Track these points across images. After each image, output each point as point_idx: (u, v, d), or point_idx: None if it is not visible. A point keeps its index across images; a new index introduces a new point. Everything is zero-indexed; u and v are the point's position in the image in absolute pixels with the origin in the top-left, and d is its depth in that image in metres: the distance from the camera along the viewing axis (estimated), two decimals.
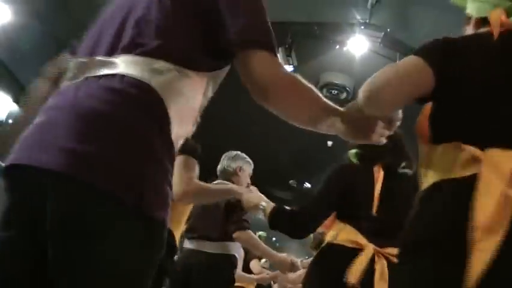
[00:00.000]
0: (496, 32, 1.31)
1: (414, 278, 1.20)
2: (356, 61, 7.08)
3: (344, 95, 7.42)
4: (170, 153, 1.07)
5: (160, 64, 1.05)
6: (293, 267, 2.95)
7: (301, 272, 3.48)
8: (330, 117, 1.29)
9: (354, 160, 2.28)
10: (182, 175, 2.07)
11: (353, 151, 2.27)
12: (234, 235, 2.91)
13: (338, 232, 2.13)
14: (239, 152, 3.30)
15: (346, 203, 2.15)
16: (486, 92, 1.27)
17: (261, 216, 2.27)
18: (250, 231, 3.03)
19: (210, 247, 2.89)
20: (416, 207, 1.28)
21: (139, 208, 0.98)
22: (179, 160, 2.08)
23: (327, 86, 7.38)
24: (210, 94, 1.19)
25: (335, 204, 2.16)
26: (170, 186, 1.07)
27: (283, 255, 3.11)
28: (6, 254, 0.99)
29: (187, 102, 1.10)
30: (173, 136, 1.07)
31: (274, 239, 12.01)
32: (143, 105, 1.02)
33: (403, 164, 2.16)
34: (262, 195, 2.35)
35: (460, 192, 1.18)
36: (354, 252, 2.02)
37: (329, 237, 2.18)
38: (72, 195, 0.95)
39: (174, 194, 1.95)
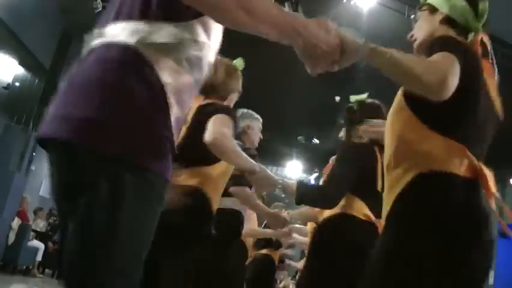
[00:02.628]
0: (479, 53, 1.53)
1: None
2: (363, 15, 6.94)
3: None
4: (163, 105, 1.10)
5: (141, 24, 1.10)
6: (286, 222, 2.94)
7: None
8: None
9: (363, 139, 2.40)
10: (215, 128, 2.06)
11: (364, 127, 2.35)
12: (231, 189, 2.86)
13: (346, 203, 2.28)
14: (245, 110, 3.26)
15: (358, 180, 2.27)
16: (481, 113, 1.47)
17: (277, 192, 2.34)
18: (247, 187, 2.99)
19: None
20: (425, 191, 1.42)
21: (126, 159, 1.03)
22: (216, 117, 2.10)
23: None
24: (204, 39, 1.18)
25: (353, 180, 2.28)
26: (165, 136, 1.10)
27: (276, 211, 3.10)
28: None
29: (177, 52, 1.13)
30: (170, 86, 1.11)
31: None
32: (126, 65, 1.07)
33: None
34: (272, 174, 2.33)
35: (468, 189, 1.40)
36: (368, 224, 2.23)
37: (337, 208, 2.29)
38: (62, 156, 1.04)
39: (206, 142, 2.03)
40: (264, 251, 4.91)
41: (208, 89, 2.25)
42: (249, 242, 3.85)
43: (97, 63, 1.08)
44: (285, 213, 2.99)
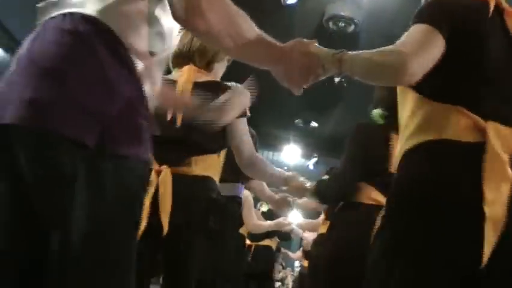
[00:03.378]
0: (492, 4, 1.39)
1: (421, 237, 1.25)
2: None
3: (351, 28, 6.97)
4: (134, 81, 1.06)
5: None
6: (290, 205, 3.05)
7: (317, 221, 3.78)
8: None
9: (380, 121, 2.39)
10: (247, 150, 2.19)
11: (378, 111, 2.37)
12: (247, 185, 3.10)
13: (360, 191, 2.33)
14: (234, 84, 3.15)
15: (367, 164, 2.32)
16: (492, 65, 1.34)
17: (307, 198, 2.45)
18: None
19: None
20: (412, 161, 1.33)
21: (103, 147, 0.98)
22: (239, 126, 2.17)
23: (334, 19, 6.95)
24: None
25: (361, 164, 2.33)
26: (143, 117, 1.06)
27: (281, 195, 3.11)
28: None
29: (147, 25, 1.09)
30: (141, 63, 1.08)
31: None
32: (91, 39, 1.01)
33: None
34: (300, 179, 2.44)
35: (467, 157, 1.24)
36: (374, 208, 2.16)
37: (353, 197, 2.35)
38: (34, 146, 0.96)
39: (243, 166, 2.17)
40: (264, 242, 5.07)
41: (191, 55, 2.15)
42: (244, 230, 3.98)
43: (62, 36, 1.00)
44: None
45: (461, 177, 1.23)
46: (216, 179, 2.15)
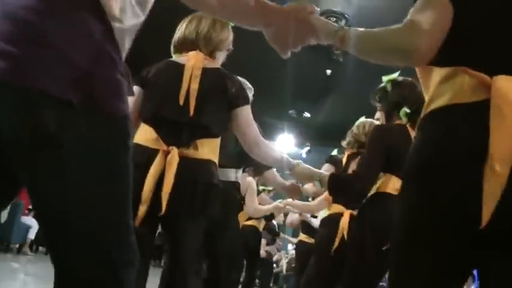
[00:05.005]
0: None
1: (423, 203, 1.17)
2: None
3: (342, 23, 7.12)
4: (113, 39, 1.03)
5: None
6: (300, 193, 3.10)
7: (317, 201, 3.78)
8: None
9: (404, 119, 2.42)
10: (252, 137, 2.21)
11: (405, 110, 2.41)
12: (265, 174, 3.12)
13: (382, 183, 2.37)
14: (240, 78, 3.25)
15: (391, 160, 2.33)
16: (495, 18, 1.22)
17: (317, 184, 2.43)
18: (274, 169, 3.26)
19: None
20: (419, 132, 1.25)
21: (89, 104, 0.95)
22: (243, 115, 2.18)
23: (325, 14, 7.13)
24: None
25: (383, 164, 2.36)
26: (122, 74, 1.04)
27: (291, 181, 3.15)
28: None
29: None
30: (119, 25, 1.05)
31: None
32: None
33: None
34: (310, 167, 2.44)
35: (472, 117, 1.13)
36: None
37: (375, 188, 2.39)
38: (18, 103, 0.92)
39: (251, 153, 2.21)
40: (249, 222, 5.11)
41: (196, 42, 2.19)
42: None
43: None
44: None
45: (467, 139, 1.12)
46: (217, 162, 2.17)
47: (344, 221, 3.17)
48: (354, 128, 3.34)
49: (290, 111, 11.65)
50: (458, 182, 1.11)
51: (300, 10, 1.35)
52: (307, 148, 12.76)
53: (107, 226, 0.98)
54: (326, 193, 3.41)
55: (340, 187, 2.39)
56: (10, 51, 0.91)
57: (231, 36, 2.32)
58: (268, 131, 13.71)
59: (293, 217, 5.08)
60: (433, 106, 1.21)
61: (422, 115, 1.25)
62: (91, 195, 0.97)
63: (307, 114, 11.72)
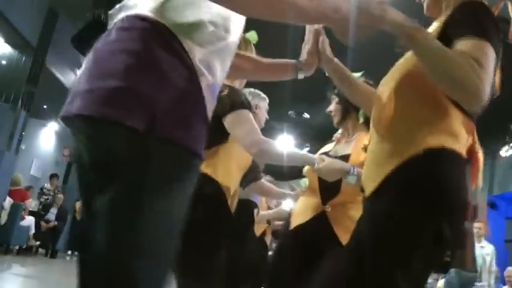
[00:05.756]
0: None
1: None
2: None
3: None
4: (187, 74, 1.05)
5: None
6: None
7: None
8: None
9: (361, 119, 2.40)
10: (246, 137, 2.08)
11: (361, 111, 2.37)
12: (249, 187, 3.00)
13: None
14: (252, 89, 3.23)
15: None
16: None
17: (350, 180, 2.18)
18: (262, 180, 3.16)
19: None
20: (440, 161, 1.33)
21: (151, 132, 0.98)
22: (234, 120, 2.10)
23: None
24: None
25: None
26: (196, 108, 1.06)
27: (294, 192, 3.17)
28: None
29: (200, 13, 1.10)
30: (196, 53, 1.07)
31: None
32: (145, 34, 1.04)
33: None
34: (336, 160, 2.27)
35: (467, 175, 1.35)
36: None
37: None
38: (91, 133, 1.01)
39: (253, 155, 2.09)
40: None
41: None
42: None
43: (121, 35, 1.06)
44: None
45: (463, 189, 1.34)
46: (220, 176, 2.12)
47: None
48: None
49: (289, 112, 11.66)
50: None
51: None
52: (307, 149, 12.78)
53: (154, 256, 1.00)
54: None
55: None
56: (88, 88, 1.01)
57: (254, 54, 2.29)
58: (267, 132, 13.70)
59: None
60: (456, 144, 1.33)
61: (433, 140, 1.32)
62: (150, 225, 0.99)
63: (306, 115, 11.73)
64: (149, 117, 0.98)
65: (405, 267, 1.29)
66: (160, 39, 1.04)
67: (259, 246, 5.11)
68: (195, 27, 1.08)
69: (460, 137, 1.33)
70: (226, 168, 2.15)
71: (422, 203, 1.29)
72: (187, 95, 1.04)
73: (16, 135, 8.81)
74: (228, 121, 2.10)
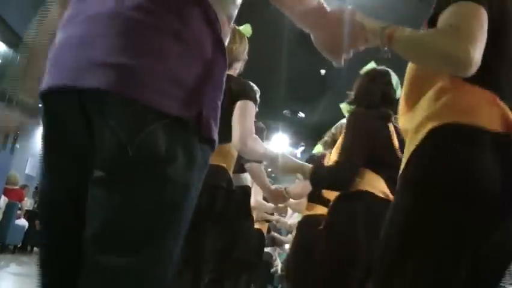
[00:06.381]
0: None
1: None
2: None
3: None
4: (223, 58, 0.99)
5: None
6: (285, 198, 2.98)
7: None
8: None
9: (345, 113, 2.37)
10: (242, 129, 2.12)
11: (346, 106, 2.38)
12: (247, 165, 2.93)
13: (365, 179, 2.14)
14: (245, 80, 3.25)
15: (371, 150, 2.16)
16: None
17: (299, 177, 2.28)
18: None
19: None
20: (442, 140, 1.21)
21: (199, 128, 0.92)
22: (241, 107, 2.13)
23: None
24: None
25: (366, 155, 2.16)
26: (220, 99, 1.00)
27: (276, 186, 3.09)
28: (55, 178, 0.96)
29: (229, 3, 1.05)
30: (224, 40, 1.02)
31: None
32: (192, 11, 0.94)
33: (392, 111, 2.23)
34: (294, 159, 2.31)
35: (498, 148, 1.15)
36: (384, 203, 1.99)
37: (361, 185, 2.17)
38: (127, 116, 0.87)
39: (236, 147, 2.09)
40: (256, 226, 5.11)
41: None
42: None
43: (155, 4, 0.92)
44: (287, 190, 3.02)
45: (491, 169, 1.14)
46: (229, 168, 2.16)
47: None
48: (332, 129, 3.32)
49: (285, 111, 11.68)
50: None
51: (344, 12, 1.29)
52: (302, 148, 12.79)
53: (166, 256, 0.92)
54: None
55: (321, 176, 2.23)
56: (123, 63, 0.87)
57: (247, 47, 2.35)
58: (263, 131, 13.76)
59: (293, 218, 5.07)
60: (458, 118, 1.19)
61: (438, 119, 1.22)
62: (174, 221, 0.92)
63: (301, 114, 11.75)
64: (197, 111, 0.91)
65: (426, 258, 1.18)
66: (205, 21, 0.95)
67: (258, 240, 5.16)
68: (226, 11, 1.03)
69: (477, 110, 1.19)
70: (232, 162, 2.22)
71: (426, 190, 1.21)
72: (220, 88, 0.99)
73: (11, 134, 8.77)
74: (239, 107, 2.13)
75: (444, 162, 1.18)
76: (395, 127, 2.18)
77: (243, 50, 2.32)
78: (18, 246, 9.22)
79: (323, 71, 8.78)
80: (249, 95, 2.18)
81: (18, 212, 9.00)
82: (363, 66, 2.51)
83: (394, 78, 2.31)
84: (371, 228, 1.91)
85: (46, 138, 0.97)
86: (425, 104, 1.28)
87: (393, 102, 2.24)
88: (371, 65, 2.40)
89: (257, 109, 3.24)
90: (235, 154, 2.21)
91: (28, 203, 10.03)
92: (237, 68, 2.32)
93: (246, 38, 2.35)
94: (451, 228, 1.14)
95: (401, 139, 2.12)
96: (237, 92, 2.14)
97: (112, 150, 0.87)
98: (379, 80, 2.31)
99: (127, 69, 0.86)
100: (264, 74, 10.06)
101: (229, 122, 2.11)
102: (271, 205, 4.33)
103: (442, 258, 1.15)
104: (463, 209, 1.14)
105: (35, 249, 10.01)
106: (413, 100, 1.32)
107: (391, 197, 2.02)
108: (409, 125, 1.31)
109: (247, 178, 2.98)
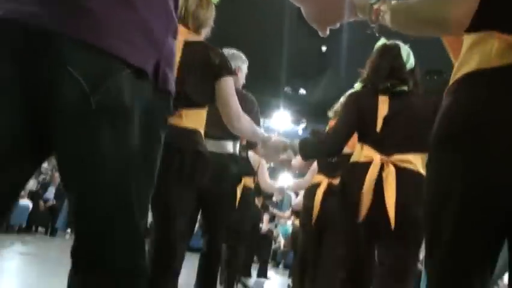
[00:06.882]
0: None
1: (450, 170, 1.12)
2: None
3: None
4: (177, 11, 1.02)
5: None
6: (286, 148, 3.06)
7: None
8: None
9: (358, 88, 2.48)
10: (233, 108, 2.19)
11: (358, 84, 2.47)
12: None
13: (358, 152, 2.34)
14: (233, 50, 3.25)
15: (359, 125, 2.33)
16: None
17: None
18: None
19: (215, 146, 2.85)
20: (448, 98, 1.18)
21: (156, 79, 0.94)
22: (225, 85, 2.17)
23: None
24: None
25: (354, 126, 2.35)
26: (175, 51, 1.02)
27: (275, 137, 3.16)
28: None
29: None
30: None
31: None
32: None
33: (395, 82, 2.31)
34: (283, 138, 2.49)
35: (499, 81, 1.08)
36: (366, 164, 2.22)
37: (352, 158, 2.37)
38: (91, 65, 0.86)
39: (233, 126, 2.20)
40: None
41: (184, 18, 2.22)
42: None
43: None
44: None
45: (492, 105, 1.07)
46: (203, 133, 2.21)
47: (319, 192, 3.15)
48: (341, 98, 3.35)
49: (286, 88, 11.65)
50: (496, 149, 1.05)
51: None
52: (304, 125, 12.79)
53: (136, 199, 0.95)
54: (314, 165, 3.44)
55: (309, 150, 2.44)
56: (92, 9, 0.86)
57: (214, 14, 2.36)
58: (263, 109, 13.72)
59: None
60: (460, 73, 1.16)
61: (450, 81, 1.20)
62: (134, 169, 0.94)
63: (303, 91, 11.73)
64: (156, 65, 0.93)
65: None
66: None
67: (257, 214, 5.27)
68: None
69: (496, 54, 1.11)
70: (203, 125, 2.26)
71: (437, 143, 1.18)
72: (173, 38, 1.00)
73: None
74: (226, 85, 2.18)
75: (450, 119, 1.15)
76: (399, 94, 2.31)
77: (210, 16, 2.34)
78: (23, 226, 9.29)
79: (324, 48, 8.74)
80: (230, 70, 2.22)
81: (22, 192, 9.03)
82: (364, 42, 2.53)
83: (404, 50, 2.38)
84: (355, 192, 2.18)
85: None
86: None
87: (402, 74, 2.32)
88: (382, 41, 2.45)
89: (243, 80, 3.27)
90: (205, 119, 2.27)
91: (31, 183, 10.08)
92: (203, 34, 2.34)
93: (213, 5, 2.37)
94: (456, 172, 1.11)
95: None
96: (219, 66, 2.16)
97: (73, 100, 0.86)
98: (388, 54, 2.38)
99: (96, 16, 0.86)
100: (265, 51, 10.02)
101: (207, 91, 2.17)
102: (276, 185, 4.41)
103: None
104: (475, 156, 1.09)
105: (40, 229, 10.10)
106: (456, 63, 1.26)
107: (370, 155, 2.24)
108: None
109: (231, 146, 2.96)
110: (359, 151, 2.34)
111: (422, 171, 2.19)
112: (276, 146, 2.45)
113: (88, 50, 0.85)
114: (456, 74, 1.18)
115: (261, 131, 2.40)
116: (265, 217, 8.00)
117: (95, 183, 0.90)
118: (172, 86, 1.01)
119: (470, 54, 1.16)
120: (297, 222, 6.23)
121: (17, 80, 0.86)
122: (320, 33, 1.37)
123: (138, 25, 0.90)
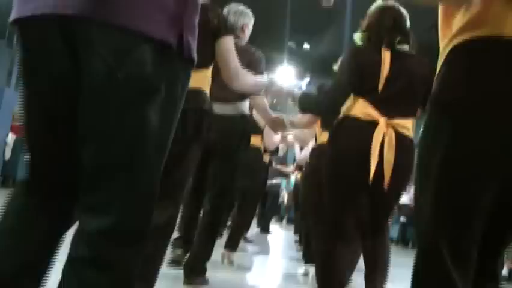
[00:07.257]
0: None
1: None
2: None
3: None
4: None
5: None
6: (285, 126, 3.10)
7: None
8: None
9: (361, 43, 2.40)
10: (233, 67, 2.18)
11: (359, 34, 2.40)
12: (251, 100, 3.01)
13: (352, 104, 2.29)
14: (241, 7, 3.22)
15: (358, 80, 2.29)
16: None
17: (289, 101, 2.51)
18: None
19: (225, 109, 2.88)
20: (454, 62, 1.14)
21: (181, 49, 0.98)
22: (224, 44, 2.17)
23: None
24: None
25: (353, 84, 2.32)
26: (197, 19, 1.06)
27: (278, 115, 3.16)
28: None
29: None
30: None
31: None
32: None
33: (399, 39, 2.29)
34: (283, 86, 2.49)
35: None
36: (369, 125, 2.20)
37: (344, 109, 2.32)
38: (117, 42, 0.91)
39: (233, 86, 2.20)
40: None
41: None
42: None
43: None
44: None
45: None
46: (207, 91, 2.20)
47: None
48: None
49: (289, 43, 11.54)
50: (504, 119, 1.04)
51: None
52: (307, 79, 12.73)
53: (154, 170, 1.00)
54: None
55: (307, 103, 2.45)
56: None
57: None
58: (267, 63, 13.62)
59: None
60: (480, 32, 1.09)
61: (460, 37, 1.13)
62: (162, 139, 1.00)
63: (306, 46, 11.63)
64: (179, 35, 0.98)
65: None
66: None
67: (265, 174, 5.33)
68: None
69: (500, 20, 1.07)
70: (208, 85, 2.26)
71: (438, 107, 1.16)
72: (195, 13, 1.04)
73: (14, 71, 8.76)
74: (225, 44, 2.18)
75: (467, 79, 1.10)
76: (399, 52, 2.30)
77: None
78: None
79: (330, 1, 8.60)
80: (229, 29, 2.22)
81: None
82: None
83: (404, 10, 2.37)
84: (353, 147, 2.19)
85: (24, 62, 1.01)
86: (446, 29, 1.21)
87: (404, 28, 2.33)
88: (379, 2, 2.43)
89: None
90: (209, 78, 2.26)
91: None
92: None
93: None
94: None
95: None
96: (217, 27, 2.16)
97: (100, 76, 0.91)
98: (389, 9, 2.37)
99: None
100: (268, 6, 9.88)
101: (208, 52, 2.16)
102: (279, 139, 4.44)
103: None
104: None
105: None
106: (444, 31, 1.24)
107: (374, 115, 2.21)
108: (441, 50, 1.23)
109: (240, 106, 2.97)
110: (356, 106, 2.27)
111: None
112: (279, 91, 2.42)
113: (112, 29, 0.90)
114: (468, 32, 1.11)
115: (262, 78, 2.37)
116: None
117: (114, 140, 0.94)
118: (195, 54, 1.05)
119: (491, 15, 1.09)
120: (299, 176, 6.26)
121: (57, 66, 0.95)
122: (324, 3, 1.40)
123: (156, 2, 0.94)
